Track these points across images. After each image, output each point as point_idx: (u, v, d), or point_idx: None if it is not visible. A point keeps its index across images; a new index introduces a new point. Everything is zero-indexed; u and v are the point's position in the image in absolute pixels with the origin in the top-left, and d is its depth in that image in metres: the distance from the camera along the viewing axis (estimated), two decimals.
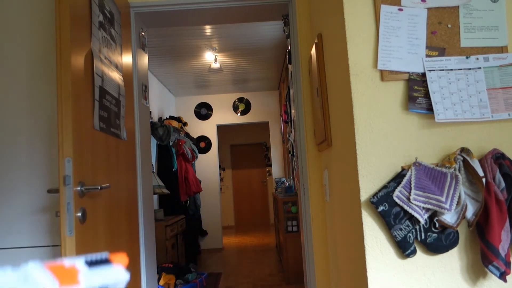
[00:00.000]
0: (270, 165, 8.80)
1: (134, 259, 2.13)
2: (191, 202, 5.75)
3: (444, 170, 1.37)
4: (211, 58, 4.90)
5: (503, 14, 1.47)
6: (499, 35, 1.46)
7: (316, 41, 2.07)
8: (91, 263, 0.39)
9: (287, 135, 4.28)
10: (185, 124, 6.08)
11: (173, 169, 5.22)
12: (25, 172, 1.98)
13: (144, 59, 2.62)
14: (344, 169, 1.66)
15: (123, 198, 2.01)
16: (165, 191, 4.63)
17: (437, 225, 1.37)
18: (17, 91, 2.02)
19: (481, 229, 1.34)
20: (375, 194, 1.39)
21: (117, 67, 2.04)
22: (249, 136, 9.88)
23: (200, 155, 6.72)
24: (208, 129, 6.81)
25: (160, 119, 5.55)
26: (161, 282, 3.69)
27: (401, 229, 1.37)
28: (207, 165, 6.76)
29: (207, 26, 4.02)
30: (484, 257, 1.32)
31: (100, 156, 1.73)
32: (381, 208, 1.37)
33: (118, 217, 1.91)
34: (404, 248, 1.36)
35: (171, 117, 5.81)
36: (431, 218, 1.38)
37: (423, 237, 1.38)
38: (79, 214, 1.48)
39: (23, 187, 1.98)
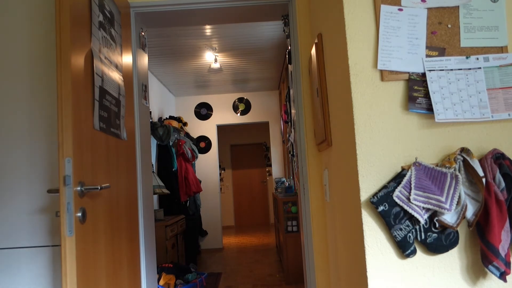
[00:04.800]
0: (270, 165, 8.80)
1: (134, 259, 2.13)
2: (191, 202, 5.75)
3: (444, 170, 1.37)
4: (211, 58, 4.90)
5: (503, 14, 1.47)
6: (499, 35, 1.46)
7: (316, 41, 2.07)
8: None
9: (287, 135, 4.28)
10: (185, 124, 6.09)
11: (173, 169, 5.22)
12: (25, 172, 1.98)
13: (144, 59, 2.62)
14: (344, 169, 1.66)
15: (123, 198, 2.01)
16: (165, 191, 4.63)
17: (437, 225, 1.37)
18: (17, 91, 2.02)
19: (481, 229, 1.34)
20: (375, 194, 1.39)
21: (117, 67, 2.04)
22: (249, 136, 9.88)
23: (200, 155, 6.73)
24: (208, 129, 6.81)
25: (160, 119, 5.55)
26: (161, 282, 3.69)
27: (401, 229, 1.37)
28: (207, 165, 6.76)
29: (207, 26, 4.02)
30: (484, 257, 1.32)
31: (100, 156, 1.73)
32: (381, 208, 1.37)
33: (118, 217, 1.91)
34: (404, 248, 1.37)
35: (171, 117, 5.82)
36: (431, 218, 1.38)
37: (423, 237, 1.39)
38: (79, 214, 1.48)
39: (23, 187, 1.98)
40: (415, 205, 1.36)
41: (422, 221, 1.36)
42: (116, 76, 1.99)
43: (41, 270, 1.94)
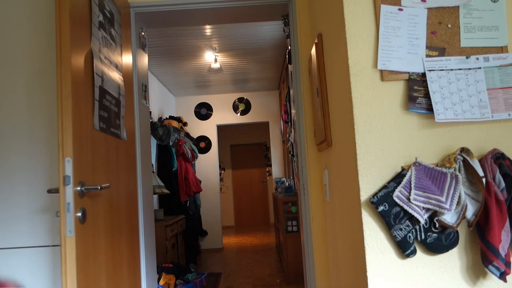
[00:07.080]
0: (270, 165, 8.80)
1: (134, 259, 2.13)
2: (191, 202, 5.75)
3: (444, 170, 1.37)
4: (211, 58, 4.90)
5: (503, 14, 1.47)
6: (499, 35, 1.46)
7: (316, 41, 2.07)
8: None
9: (287, 135, 4.28)
10: (185, 124, 6.08)
11: (173, 169, 5.22)
12: (25, 172, 1.98)
13: (144, 59, 2.62)
14: (344, 169, 1.66)
15: (123, 198, 2.01)
16: (165, 191, 4.63)
17: (437, 225, 1.37)
18: (17, 91, 2.02)
19: (481, 229, 1.34)
20: (375, 194, 1.39)
21: (117, 67, 2.04)
22: (249, 136, 9.88)
23: (200, 155, 6.72)
24: (208, 129, 6.81)
25: (160, 119, 5.55)
26: (161, 282, 3.69)
27: (401, 229, 1.37)
28: (207, 165, 6.76)
29: (207, 26, 4.02)
30: (484, 257, 1.32)
31: (100, 156, 1.73)
32: (381, 208, 1.37)
33: (118, 217, 1.91)
34: (404, 248, 1.37)
35: (171, 117, 5.81)
36: (431, 218, 1.38)
37: (423, 237, 1.39)
38: (79, 214, 1.48)
39: (23, 187, 1.98)
40: (415, 205, 1.36)
41: (422, 221, 1.36)
42: (116, 76, 1.99)
43: (41, 270, 1.94)
